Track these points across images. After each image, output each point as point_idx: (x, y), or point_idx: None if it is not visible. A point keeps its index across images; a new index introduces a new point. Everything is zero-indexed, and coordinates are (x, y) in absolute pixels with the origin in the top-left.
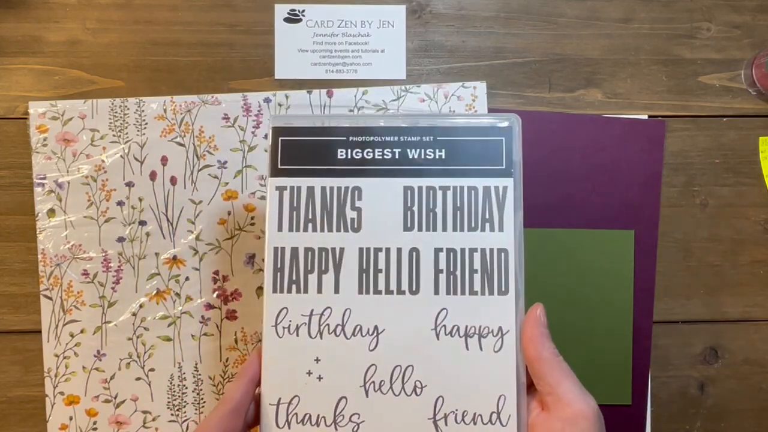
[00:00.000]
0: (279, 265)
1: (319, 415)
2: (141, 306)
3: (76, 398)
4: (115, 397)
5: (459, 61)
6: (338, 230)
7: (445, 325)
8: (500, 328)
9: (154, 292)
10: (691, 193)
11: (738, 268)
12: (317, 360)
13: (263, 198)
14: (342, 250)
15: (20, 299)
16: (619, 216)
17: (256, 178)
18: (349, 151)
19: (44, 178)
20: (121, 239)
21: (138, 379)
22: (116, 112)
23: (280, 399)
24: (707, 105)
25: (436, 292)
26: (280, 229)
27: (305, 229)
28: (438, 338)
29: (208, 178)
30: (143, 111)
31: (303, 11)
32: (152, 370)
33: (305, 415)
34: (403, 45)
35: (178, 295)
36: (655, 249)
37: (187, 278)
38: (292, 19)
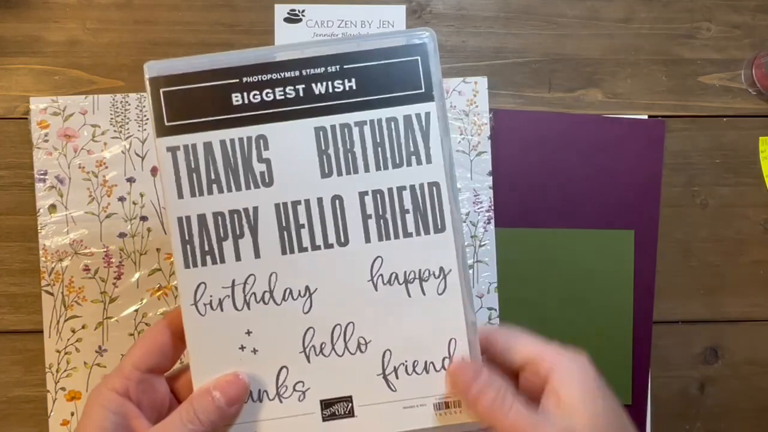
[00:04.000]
0: (187, 237)
1: (260, 390)
2: (142, 301)
3: (77, 394)
4: None
5: (459, 61)
6: (248, 188)
7: (382, 275)
8: (441, 269)
9: (156, 287)
10: (691, 193)
11: (738, 268)
12: (248, 332)
13: None
14: (256, 209)
15: (20, 299)
16: (619, 216)
17: None
18: (245, 94)
19: (45, 174)
20: (122, 235)
21: None
22: (117, 108)
23: None
24: (707, 105)
25: (368, 240)
26: (180, 195)
27: (210, 192)
28: (376, 289)
29: None
30: (144, 106)
31: (303, 11)
32: None
33: None
34: None
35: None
36: (655, 249)
37: None
38: (292, 19)
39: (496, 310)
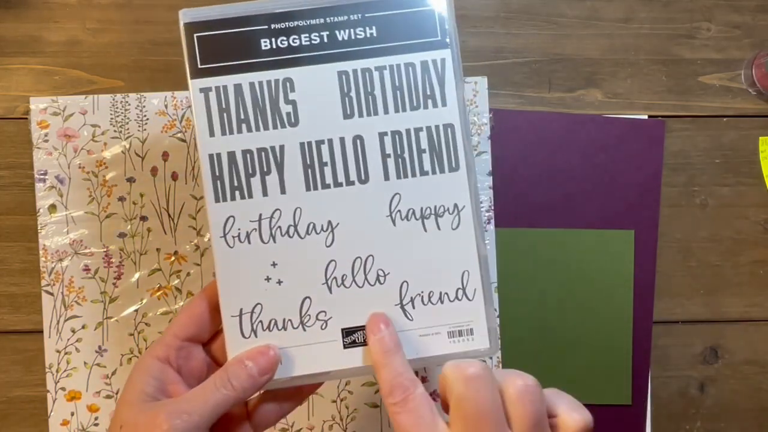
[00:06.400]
0: (217, 173)
1: (285, 319)
2: (142, 301)
3: (77, 394)
4: (117, 393)
5: None
6: (275, 127)
7: (400, 210)
8: (455, 205)
9: (156, 287)
10: (691, 193)
11: (738, 268)
12: (274, 264)
13: None
14: (282, 147)
15: (20, 299)
16: (619, 216)
17: None
18: (273, 40)
19: (45, 174)
20: (122, 235)
21: None
22: (117, 108)
23: (241, 309)
24: (707, 105)
25: (387, 177)
26: (212, 134)
27: (239, 131)
28: (395, 224)
29: None
30: (144, 107)
31: None
32: None
33: (270, 321)
34: None
35: (179, 290)
36: (655, 249)
37: (188, 274)
38: None
39: (496, 310)
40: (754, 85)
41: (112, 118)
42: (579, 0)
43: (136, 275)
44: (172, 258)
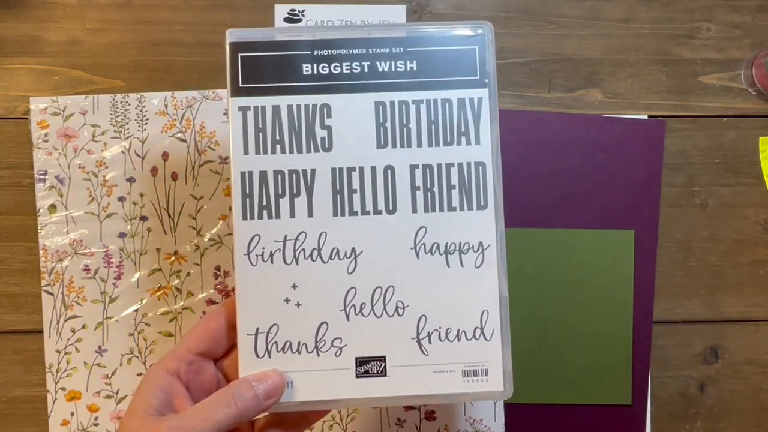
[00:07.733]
0: (248, 191)
1: (299, 342)
2: (142, 301)
3: (77, 394)
4: (117, 393)
5: None
6: (308, 151)
7: (424, 244)
8: (481, 244)
9: (156, 287)
10: (691, 193)
11: (738, 268)
12: (294, 286)
13: None
14: (313, 171)
15: (20, 299)
16: (619, 216)
17: None
18: (315, 66)
19: (45, 174)
20: (122, 235)
21: (139, 374)
22: (117, 108)
23: (258, 328)
24: (707, 105)
25: (414, 210)
26: (246, 152)
27: (273, 151)
28: (418, 257)
29: (210, 174)
30: (144, 107)
31: (303, 11)
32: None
33: (285, 343)
34: None
35: (179, 290)
36: (655, 249)
37: (188, 274)
38: (292, 19)
39: None
40: (754, 85)
41: (112, 118)
42: (579, 0)
43: (136, 275)
44: (172, 258)
